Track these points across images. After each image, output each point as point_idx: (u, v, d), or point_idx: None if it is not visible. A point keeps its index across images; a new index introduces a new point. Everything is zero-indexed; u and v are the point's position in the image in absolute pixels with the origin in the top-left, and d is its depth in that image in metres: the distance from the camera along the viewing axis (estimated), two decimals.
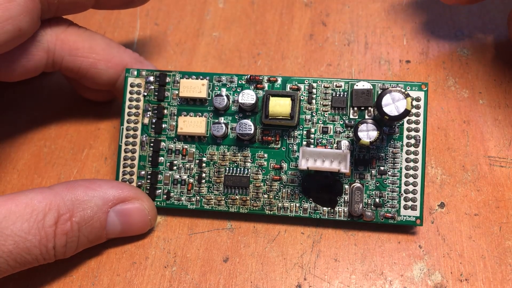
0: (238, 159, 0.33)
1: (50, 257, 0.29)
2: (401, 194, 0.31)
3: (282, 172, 0.32)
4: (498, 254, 0.31)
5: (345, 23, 0.40)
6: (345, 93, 0.32)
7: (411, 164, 0.31)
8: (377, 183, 0.32)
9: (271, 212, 0.32)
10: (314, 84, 0.33)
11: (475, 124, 0.35)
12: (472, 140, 0.35)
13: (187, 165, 0.33)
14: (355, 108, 0.32)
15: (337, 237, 0.33)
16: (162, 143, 0.34)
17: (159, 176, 0.33)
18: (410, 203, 0.31)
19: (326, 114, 0.32)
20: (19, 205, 0.28)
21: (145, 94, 0.34)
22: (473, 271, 0.31)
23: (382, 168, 0.32)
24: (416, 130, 0.31)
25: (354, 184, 0.32)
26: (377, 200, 0.31)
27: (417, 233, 0.32)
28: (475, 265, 0.31)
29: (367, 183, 0.32)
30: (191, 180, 0.33)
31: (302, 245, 0.33)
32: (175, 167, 0.33)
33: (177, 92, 0.34)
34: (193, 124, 0.33)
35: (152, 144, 0.34)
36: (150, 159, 0.33)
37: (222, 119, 0.33)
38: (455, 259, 0.31)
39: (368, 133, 0.30)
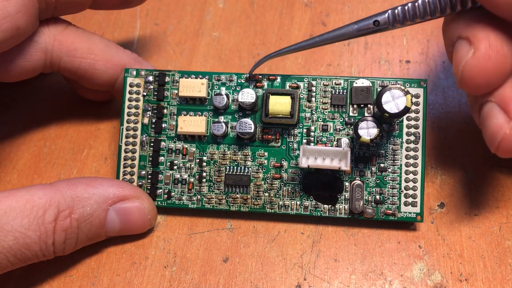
0: (238, 158, 0.33)
1: (50, 253, 0.29)
2: (402, 191, 0.31)
3: (283, 170, 0.32)
4: (498, 254, 0.31)
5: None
6: (345, 91, 0.32)
7: (411, 161, 0.31)
8: (378, 180, 0.32)
9: (272, 211, 0.32)
10: (314, 82, 0.33)
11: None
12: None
13: (187, 165, 0.33)
14: (355, 106, 0.32)
15: (337, 237, 0.33)
16: (162, 143, 0.33)
17: (160, 175, 0.33)
18: (410, 200, 0.31)
19: (326, 112, 0.32)
20: (20, 201, 0.28)
21: (145, 94, 0.34)
22: (473, 271, 0.31)
23: (382, 165, 0.32)
24: (416, 127, 0.31)
25: (354, 182, 0.32)
26: (378, 197, 0.31)
27: (417, 233, 0.32)
28: (475, 265, 0.31)
29: (367, 180, 0.32)
30: (192, 180, 0.33)
31: (302, 245, 0.32)
32: (175, 167, 0.33)
33: (176, 91, 0.34)
34: (193, 123, 0.33)
35: (152, 144, 0.33)
36: (151, 159, 0.33)
37: (222, 118, 0.33)
38: (455, 259, 0.31)
39: (368, 131, 0.30)
